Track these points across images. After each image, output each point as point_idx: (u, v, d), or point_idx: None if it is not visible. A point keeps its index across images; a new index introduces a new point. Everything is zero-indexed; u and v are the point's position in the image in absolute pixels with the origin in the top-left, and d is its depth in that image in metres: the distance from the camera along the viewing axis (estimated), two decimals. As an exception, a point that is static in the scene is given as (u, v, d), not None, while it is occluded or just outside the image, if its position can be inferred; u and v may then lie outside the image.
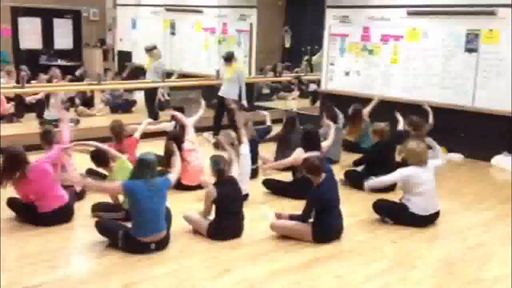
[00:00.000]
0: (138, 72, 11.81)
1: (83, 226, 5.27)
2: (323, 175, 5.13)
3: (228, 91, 9.26)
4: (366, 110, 8.62)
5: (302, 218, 5.10)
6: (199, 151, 6.78)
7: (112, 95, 11.48)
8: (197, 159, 6.61)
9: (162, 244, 4.78)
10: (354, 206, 6.04)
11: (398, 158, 7.14)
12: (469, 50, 8.58)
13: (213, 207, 5.08)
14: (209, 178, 5.48)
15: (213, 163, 5.18)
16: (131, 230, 4.73)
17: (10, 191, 5.46)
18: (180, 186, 6.21)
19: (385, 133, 6.98)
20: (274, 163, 6.95)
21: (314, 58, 12.89)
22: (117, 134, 6.56)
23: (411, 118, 7.48)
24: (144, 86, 10.83)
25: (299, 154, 6.30)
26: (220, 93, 9.39)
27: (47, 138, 5.84)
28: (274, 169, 6.88)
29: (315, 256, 4.80)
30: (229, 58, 9.40)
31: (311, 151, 6.17)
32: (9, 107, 10.02)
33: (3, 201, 5.53)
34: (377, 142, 6.94)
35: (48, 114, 9.86)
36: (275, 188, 6.55)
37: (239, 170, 5.73)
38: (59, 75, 10.87)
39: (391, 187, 6.60)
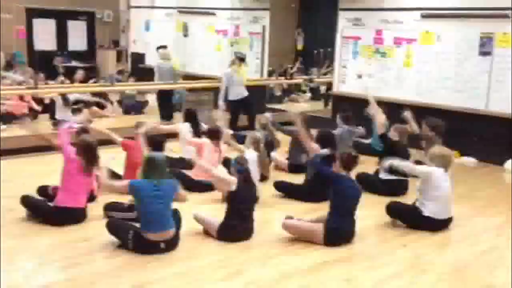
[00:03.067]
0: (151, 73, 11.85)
1: (94, 226, 5.29)
2: (350, 174, 5.20)
3: (242, 93, 9.48)
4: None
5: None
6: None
7: (125, 96, 11.57)
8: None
9: (171, 244, 4.79)
10: (365, 209, 5.98)
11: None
12: (483, 54, 8.53)
13: (225, 206, 5.11)
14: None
15: (236, 164, 5.20)
16: (140, 229, 4.75)
17: (10, 190, 5.48)
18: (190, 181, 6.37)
19: (406, 133, 6.96)
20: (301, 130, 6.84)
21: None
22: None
23: (428, 118, 7.39)
24: (156, 87, 10.87)
25: (316, 147, 6.48)
26: (233, 97, 9.50)
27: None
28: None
29: (325, 259, 4.78)
30: (242, 59, 9.57)
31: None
32: (23, 106, 10.11)
33: (10, 199, 5.60)
34: (396, 141, 6.85)
35: (59, 115, 9.92)
36: (286, 190, 6.54)
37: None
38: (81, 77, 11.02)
39: (403, 190, 6.58)
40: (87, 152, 5.34)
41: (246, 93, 9.77)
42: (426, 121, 7.42)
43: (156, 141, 6.09)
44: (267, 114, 8.30)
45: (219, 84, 10.06)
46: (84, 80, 11.95)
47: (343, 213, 5.09)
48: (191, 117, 7.62)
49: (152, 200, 4.66)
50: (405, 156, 6.78)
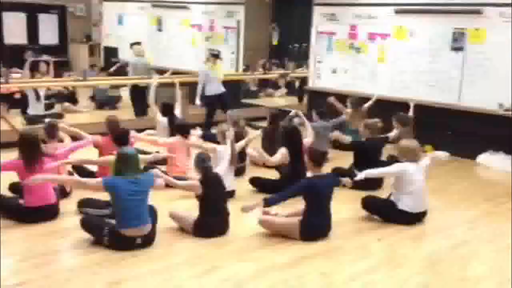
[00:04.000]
0: (124, 68, 11.73)
1: (68, 223, 5.22)
2: (321, 170, 5.21)
3: (219, 89, 9.49)
4: (365, 107, 8.68)
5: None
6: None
7: (98, 90, 11.42)
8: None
9: (147, 240, 4.75)
10: (340, 204, 6.02)
11: (383, 157, 7.20)
12: (456, 49, 8.63)
13: (198, 204, 5.08)
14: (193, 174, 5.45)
15: (198, 161, 5.17)
16: (116, 225, 4.69)
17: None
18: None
19: (377, 129, 6.99)
20: (261, 156, 6.84)
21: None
22: (113, 130, 6.49)
23: (398, 114, 7.54)
24: (129, 82, 10.75)
25: (284, 154, 6.37)
26: (210, 93, 9.51)
27: (51, 132, 5.93)
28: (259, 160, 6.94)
29: (302, 254, 4.80)
30: (216, 55, 9.59)
31: (293, 147, 6.28)
32: None
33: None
34: (366, 139, 6.92)
35: (31, 110, 9.75)
36: (262, 186, 6.53)
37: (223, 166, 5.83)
38: (46, 70, 10.78)
39: (378, 184, 6.63)
40: (27, 146, 5.21)
41: (222, 89, 9.77)
42: (396, 117, 7.53)
43: (121, 136, 5.94)
44: (231, 112, 8.39)
45: (194, 78, 10.02)
46: (54, 74, 11.64)
47: (317, 210, 5.11)
48: (167, 111, 7.70)
49: (128, 196, 4.59)
50: (377, 151, 6.87)
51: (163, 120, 7.77)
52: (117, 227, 4.66)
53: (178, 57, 13.01)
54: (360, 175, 5.77)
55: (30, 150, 5.20)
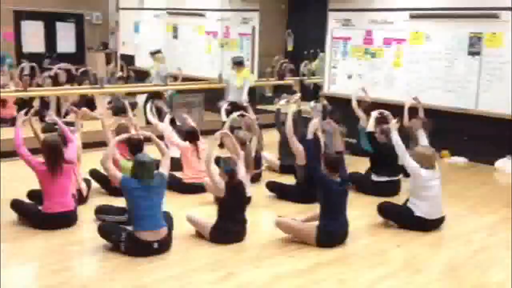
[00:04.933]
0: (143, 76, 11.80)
1: (86, 229, 5.26)
2: (337, 176, 5.15)
3: (238, 98, 9.26)
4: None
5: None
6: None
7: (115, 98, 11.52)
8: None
9: (164, 244, 4.78)
10: (356, 210, 6.01)
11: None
12: (472, 54, 8.56)
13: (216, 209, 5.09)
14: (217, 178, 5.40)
15: (224, 164, 5.17)
16: (133, 230, 4.73)
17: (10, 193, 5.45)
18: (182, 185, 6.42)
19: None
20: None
21: (314, 63, 12.86)
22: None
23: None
24: (146, 90, 10.82)
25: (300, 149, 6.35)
26: (229, 100, 9.35)
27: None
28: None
29: (319, 260, 4.78)
30: (239, 63, 9.38)
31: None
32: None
33: (1, 203, 5.57)
34: (384, 143, 6.86)
35: (49, 118, 9.84)
36: (279, 191, 6.53)
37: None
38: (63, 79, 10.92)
39: (395, 191, 6.59)
40: (51, 152, 5.28)
41: (242, 99, 9.34)
42: (413, 120, 7.47)
43: (135, 144, 5.87)
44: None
45: (209, 85, 10.02)
46: (69, 81, 11.76)
47: (334, 214, 5.09)
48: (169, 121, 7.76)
49: (141, 198, 4.69)
50: (394, 157, 6.81)
51: (166, 127, 7.37)
52: (134, 231, 4.70)
53: (194, 64, 13.06)
54: (395, 135, 5.79)
55: (54, 156, 5.28)
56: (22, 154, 5.31)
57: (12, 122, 9.76)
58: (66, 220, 5.32)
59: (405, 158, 5.65)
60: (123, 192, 4.84)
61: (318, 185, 5.22)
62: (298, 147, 6.39)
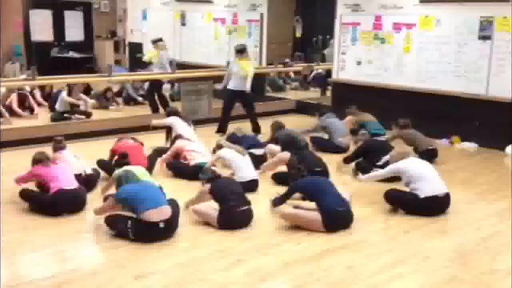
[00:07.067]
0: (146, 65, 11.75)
1: (96, 218, 5.27)
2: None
3: (242, 85, 9.00)
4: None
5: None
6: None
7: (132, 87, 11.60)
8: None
9: (170, 225, 4.82)
10: (364, 197, 6.01)
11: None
12: (483, 38, 8.47)
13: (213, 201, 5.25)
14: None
15: (202, 173, 5.54)
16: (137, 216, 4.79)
17: (10, 183, 5.48)
18: None
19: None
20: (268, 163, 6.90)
21: (326, 50, 12.79)
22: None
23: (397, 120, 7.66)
24: (153, 78, 10.78)
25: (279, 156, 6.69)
26: (230, 87, 9.06)
27: (57, 145, 6.18)
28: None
29: (327, 247, 4.77)
30: (242, 51, 9.11)
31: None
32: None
33: (11, 192, 5.64)
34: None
35: (59, 107, 9.87)
36: (286, 181, 6.50)
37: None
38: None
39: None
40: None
41: (245, 88, 8.86)
42: (395, 123, 7.68)
43: (119, 159, 5.97)
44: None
45: (217, 73, 9.93)
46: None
47: (329, 197, 5.16)
48: (173, 115, 7.90)
49: (136, 187, 5.01)
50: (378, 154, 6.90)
51: (175, 121, 7.81)
52: (138, 216, 4.74)
53: (202, 51, 13.03)
54: (364, 178, 6.29)
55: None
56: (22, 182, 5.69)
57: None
58: (74, 198, 5.43)
59: (387, 173, 5.98)
60: (123, 205, 4.97)
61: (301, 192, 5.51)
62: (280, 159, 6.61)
